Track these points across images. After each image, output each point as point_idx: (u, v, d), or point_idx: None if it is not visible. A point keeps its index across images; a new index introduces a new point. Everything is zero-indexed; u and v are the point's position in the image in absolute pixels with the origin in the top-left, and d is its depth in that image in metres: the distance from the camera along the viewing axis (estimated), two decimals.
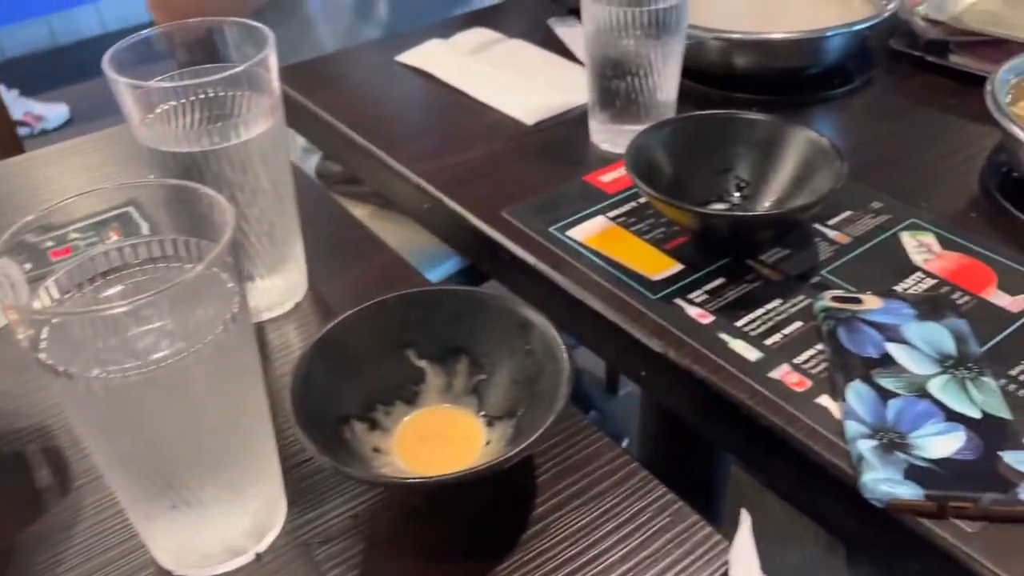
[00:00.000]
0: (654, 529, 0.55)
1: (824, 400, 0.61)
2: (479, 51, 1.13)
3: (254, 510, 0.55)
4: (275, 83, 0.66)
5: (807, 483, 0.59)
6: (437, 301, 0.63)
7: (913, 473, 0.54)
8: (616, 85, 0.89)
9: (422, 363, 0.62)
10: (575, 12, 1.16)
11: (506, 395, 0.60)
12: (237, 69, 0.63)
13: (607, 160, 0.90)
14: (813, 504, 0.61)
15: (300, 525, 0.57)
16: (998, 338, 0.65)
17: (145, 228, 0.51)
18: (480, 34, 1.16)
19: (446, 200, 0.86)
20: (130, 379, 0.44)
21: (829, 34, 0.96)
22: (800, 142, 0.76)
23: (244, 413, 0.51)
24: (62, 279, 0.49)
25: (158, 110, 0.64)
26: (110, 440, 0.49)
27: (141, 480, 0.50)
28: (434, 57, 1.12)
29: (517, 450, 0.51)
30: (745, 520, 0.52)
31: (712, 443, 0.93)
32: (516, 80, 1.05)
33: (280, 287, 0.74)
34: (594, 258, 0.76)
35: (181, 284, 0.43)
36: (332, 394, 0.58)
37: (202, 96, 0.63)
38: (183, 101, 0.63)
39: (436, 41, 1.15)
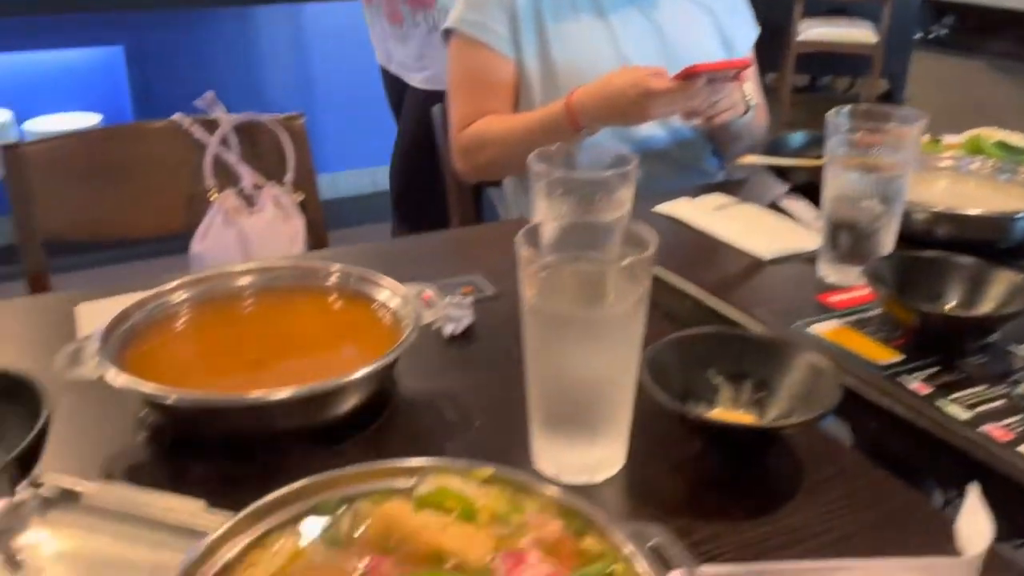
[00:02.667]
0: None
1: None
2: (720, 208, 1.44)
3: (614, 442, 0.80)
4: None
5: (1009, 509, 0.79)
6: (736, 339, 0.89)
7: None
8: (845, 236, 1.17)
9: (718, 380, 0.88)
10: (796, 189, 1.47)
11: (785, 408, 0.84)
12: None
13: (832, 288, 1.17)
14: (1013, 523, 0.80)
15: (641, 460, 0.82)
16: None
17: None
18: (720, 197, 1.49)
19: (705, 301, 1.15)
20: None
21: (1017, 217, 1.23)
22: (1003, 279, 1.01)
23: (631, 366, 0.78)
24: None
25: None
26: (545, 362, 0.77)
27: (553, 399, 0.78)
28: (684, 209, 1.44)
29: (808, 418, 0.76)
30: (973, 490, 0.72)
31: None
32: (753, 227, 1.35)
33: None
34: (831, 347, 1.01)
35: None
36: (661, 379, 0.84)
37: None
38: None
39: (684, 199, 1.48)
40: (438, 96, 1.92)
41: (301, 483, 0.64)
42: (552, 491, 0.65)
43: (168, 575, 0.62)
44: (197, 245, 1.72)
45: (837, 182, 1.18)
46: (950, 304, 1.05)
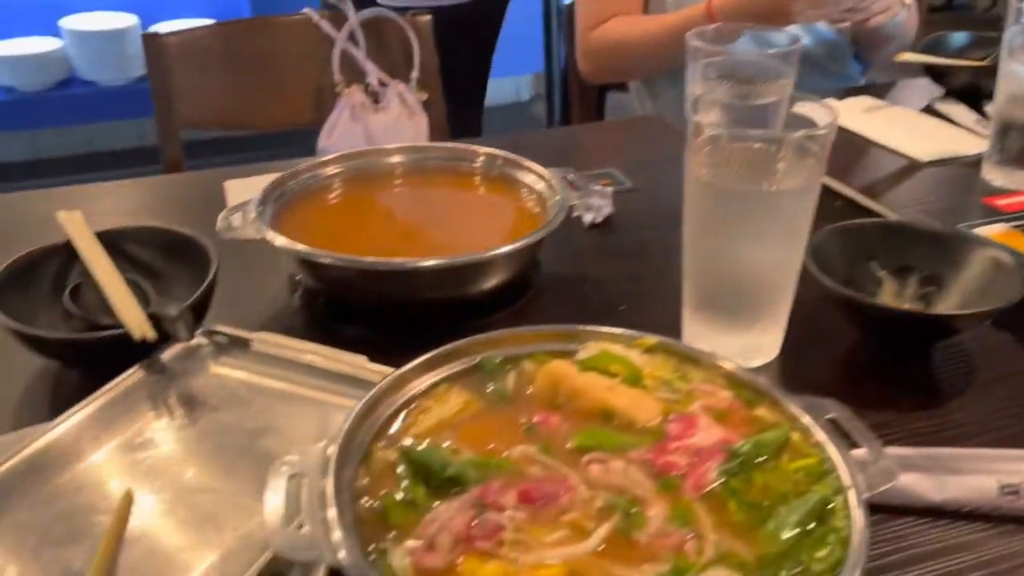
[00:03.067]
0: None
1: None
2: (869, 111, 1.36)
3: (772, 328, 0.77)
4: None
5: None
6: (904, 230, 0.84)
7: None
8: (1015, 137, 1.09)
9: (881, 273, 0.84)
10: (952, 93, 1.37)
11: (952, 302, 0.80)
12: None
13: (999, 191, 1.09)
14: None
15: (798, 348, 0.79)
16: None
17: None
18: (868, 100, 1.40)
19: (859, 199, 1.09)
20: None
21: None
22: None
23: (797, 249, 0.74)
24: None
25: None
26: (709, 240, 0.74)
27: (713, 280, 0.75)
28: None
29: (988, 308, 0.72)
30: None
31: None
32: (907, 130, 1.27)
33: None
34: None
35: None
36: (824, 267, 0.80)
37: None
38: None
39: (830, 100, 1.40)
40: None
41: (465, 340, 0.65)
42: (720, 361, 0.63)
43: (334, 413, 0.64)
44: (324, 140, 1.74)
45: (1011, 79, 1.08)
46: None
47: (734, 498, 0.52)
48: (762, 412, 0.59)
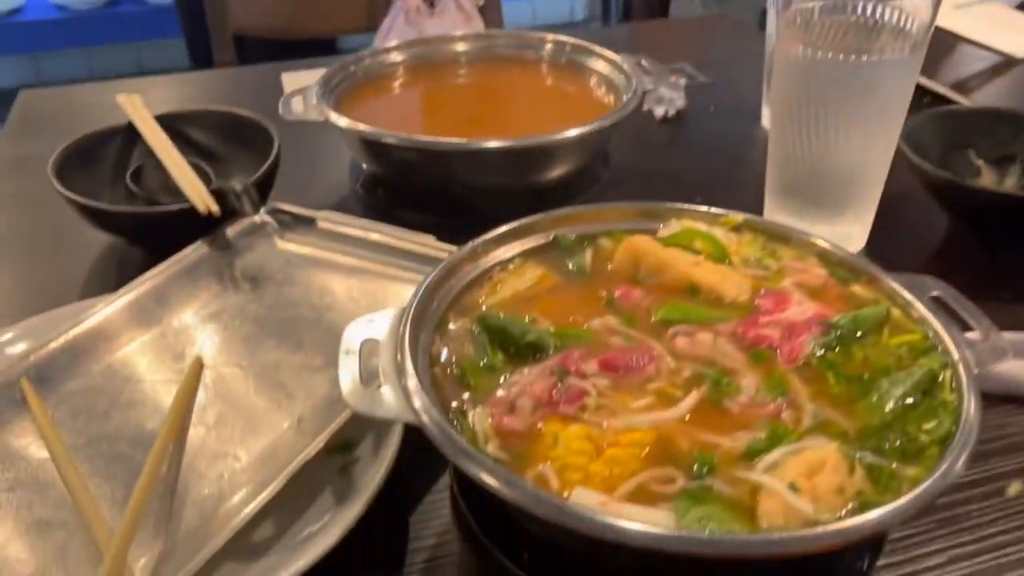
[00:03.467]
0: None
1: None
2: (960, 7, 1.27)
3: (860, 217, 0.73)
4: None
5: None
6: (1009, 117, 0.79)
7: None
8: None
9: (979, 162, 0.78)
10: None
11: None
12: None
13: None
14: None
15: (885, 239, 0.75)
16: None
17: None
18: None
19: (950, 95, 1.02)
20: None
21: None
22: None
23: (892, 132, 0.69)
24: None
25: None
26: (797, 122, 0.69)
27: (799, 165, 0.71)
28: None
29: None
30: None
31: None
32: (1002, 26, 1.18)
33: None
34: None
35: None
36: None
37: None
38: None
39: None
40: None
41: (540, 215, 0.61)
42: (813, 239, 0.60)
43: (403, 288, 0.62)
44: (379, 44, 1.71)
45: None
46: None
47: (832, 371, 0.49)
48: (858, 289, 0.55)
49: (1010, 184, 0.77)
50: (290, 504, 0.50)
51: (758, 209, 0.76)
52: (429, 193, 0.82)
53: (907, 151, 0.72)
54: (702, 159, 0.92)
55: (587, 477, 0.43)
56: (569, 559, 0.47)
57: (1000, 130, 0.78)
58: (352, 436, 0.53)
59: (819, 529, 0.38)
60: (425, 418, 0.44)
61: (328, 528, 0.46)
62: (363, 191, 0.85)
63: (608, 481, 0.43)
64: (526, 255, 0.60)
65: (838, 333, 0.51)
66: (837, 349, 0.51)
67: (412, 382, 0.46)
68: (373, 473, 0.49)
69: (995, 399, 0.58)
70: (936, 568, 0.48)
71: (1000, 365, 0.57)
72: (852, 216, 0.73)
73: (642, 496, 0.42)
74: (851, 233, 0.74)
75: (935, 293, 0.55)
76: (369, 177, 0.86)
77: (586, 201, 0.85)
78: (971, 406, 0.45)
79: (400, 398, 0.46)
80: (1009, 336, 0.57)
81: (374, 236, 0.68)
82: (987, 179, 0.78)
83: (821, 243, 0.59)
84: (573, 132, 0.77)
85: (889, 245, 0.75)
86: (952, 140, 0.79)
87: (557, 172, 0.82)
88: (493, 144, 0.75)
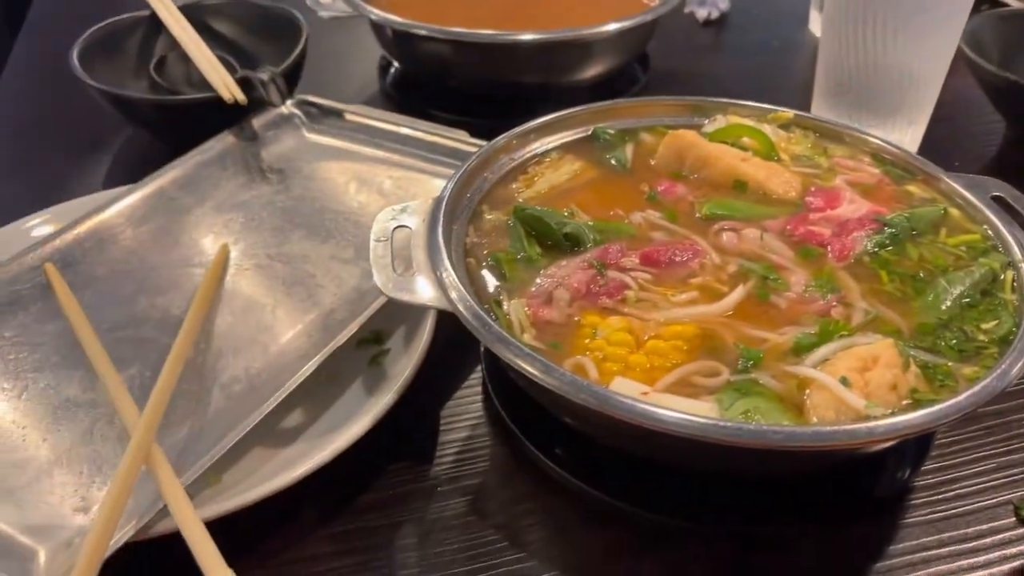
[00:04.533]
0: None
1: None
2: None
3: (913, 124, 0.69)
4: None
5: None
6: None
7: None
8: None
9: None
10: None
11: None
12: None
13: None
14: None
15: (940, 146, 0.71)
16: None
17: None
18: None
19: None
20: None
21: None
22: None
23: (951, 35, 0.65)
24: None
25: None
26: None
27: (851, 66, 0.67)
28: None
29: None
30: None
31: None
32: None
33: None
34: None
35: None
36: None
37: None
38: None
39: None
40: None
41: (579, 108, 0.59)
42: (867, 136, 0.57)
43: (435, 181, 0.60)
44: None
45: None
46: None
47: (885, 269, 0.47)
48: (914, 188, 0.53)
49: None
50: (321, 393, 0.49)
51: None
52: (461, 92, 0.79)
53: (967, 51, 0.68)
54: (745, 63, 0.88)
55: (627, 368, 0.42)
56: (602, 454, 0.46)
57: None
58: (383, 328, 0.51)
59: (871, 423, 0.36)
60: (461, 307, 0.43)
61: (358, 418, 0.45)
62: (393, 90, 0.82)
63: (649, 372, 0.42)
64: (564, 148, 0.58)
65: (892, 231, 0.49)
66: (891, 247, 0.48)
67: (447, 271, 0.45)
68: (404, 364, 0.48)
69: None
70: (983, 475, 0.46)
71: None
72: (905, 120, 0.69)
73: (685, 388, 0.41)
74: (902, 140, 0.70)
75: (996, 193, 0.52)
76: (399, 76, 0.83)
77: None
78: None
79: (435, 286, 0.44)
80: None
81: (405, 130, 0.65)
82: None
83: (875, 141, 0.56)
84: (612, 26, 0.74)
85: (943, 154, 0.70)
86: (1013, 43, 0.74)
87: (594, 71, 0.78)
88: (528, 37, 0.72)
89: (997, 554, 0.42)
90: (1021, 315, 0.42)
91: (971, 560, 0.42)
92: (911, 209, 0.51)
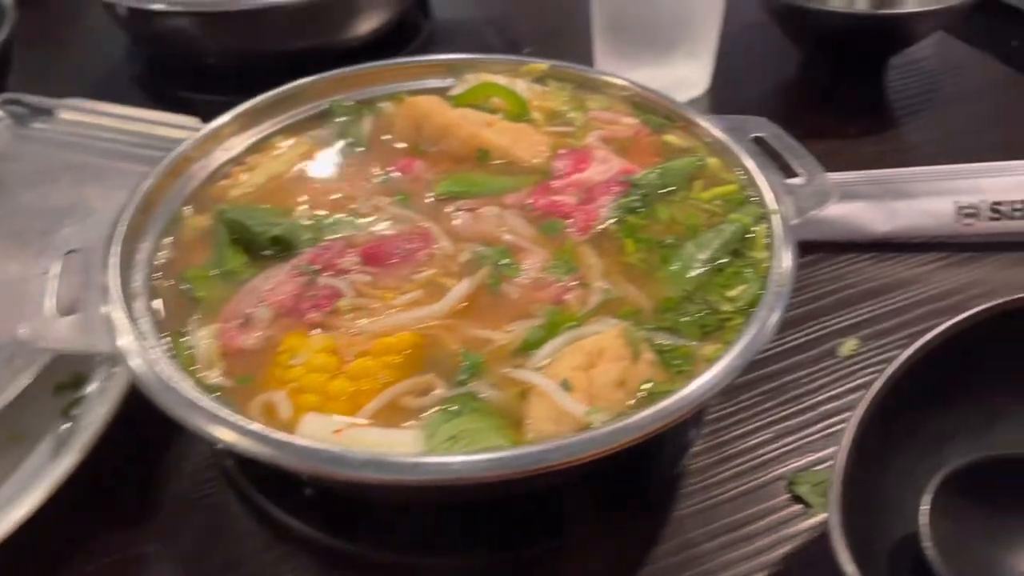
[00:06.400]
0: None
1: None
2: None
3: (698, 57, 0.65)
4: None
5: None
6: None
7: None
8: None
9: None
10: None
11: (914, 6, 0.67)
12: None
13: None
14: None
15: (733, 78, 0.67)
16: None
17: None
18: None
19: None
20: None
21: None
22: None
23: None
24: None
25: None
26: None
27: (622, 12, 0.62)
28: None
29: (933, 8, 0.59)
30: None
31: None
32: None
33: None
34: None
35: None
36: None
37: None
38: None
39: None
40: None
41: (307, 80, 0.51)
42: (624, 83, 0.51)
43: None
44: None
45: None
46: None
47: (632, 237, 0.42)
48: (673, 138, 0.48)
49: (862, 4, 0.70)
50: (2, 455, 0.41)
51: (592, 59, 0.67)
52: (217, 71, 0.70)
53: None
54: (538, 5, 0.82)
55: (327, 399, 0.36)
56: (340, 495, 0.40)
57: None
58: (83, 369, 0.44)
59: (585, 435, 0.31)
60: (123, 346, 0.35)
61: (40, 483, 0.38)
62: (131, 74, 0.73)
63: (354, 400, 0.36)
64: (290, 130, 0.51)
65: (642, 192, 0.44)
66: (641, 210, 0.43)
67: (114, 300, 0.37)
68: (99, 413, 0.41)
69: (835, 248, 0.52)
70: (758, 449, 0.43)
71: (836, 208, 0.52)
72: (688, 55, 0.64)
73: (393, 414, 0.35)
74: (689, 75, 0.66)
75: (757, 134, 0.48)
76: (146, 61, 0.73)
77: None
78: (783, 263, 0.39)
79: (97, 322, 0.37)
80: (838, 177, 0.51)
81: (129, 125, 0.57)
82: (837, 0, 0.70)
83: (634, 87, 0.51)
84: None
85: (735, 85, 0.68)
86: None
87: (364, 27, 0.70)
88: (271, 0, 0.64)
89: (769, 539, 0.39)
90: (770, 276, 0.38)
91: (742, 550, 0.39)
92: (666, 163, 0.46)
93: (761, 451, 0.42)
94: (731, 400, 0.44)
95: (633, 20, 0.63)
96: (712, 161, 0.46)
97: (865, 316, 0.48)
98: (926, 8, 0.63)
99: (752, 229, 0.41)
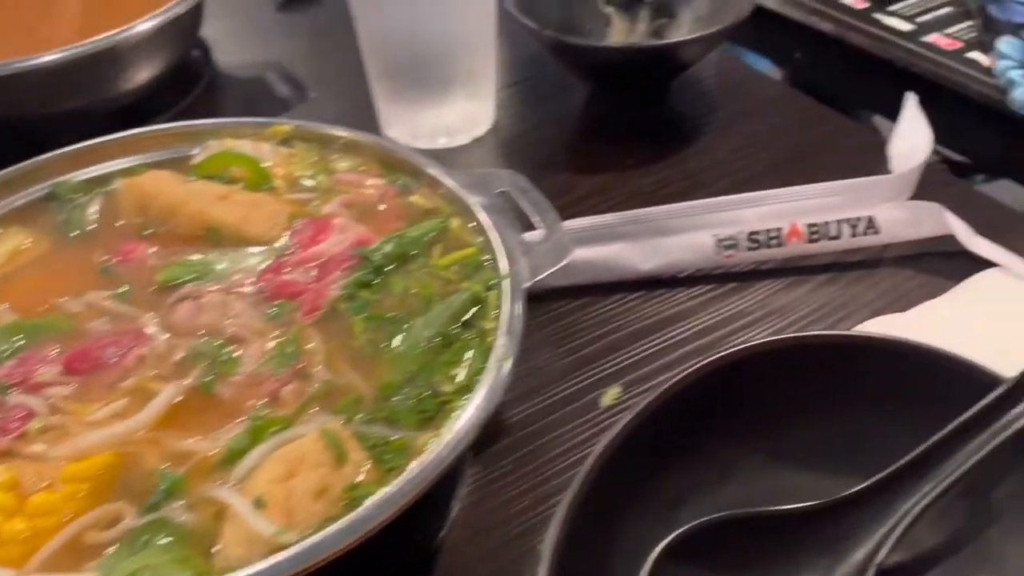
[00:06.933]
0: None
1: (974, 54, 0.68)
2: None
3: (477, 97, 0.64)
4: None
5: (957, 120, 0.66)
6: None
7: None
8: None
9: (609, 9, 0.70)
10: None
11: (686, 32, 0.68)
12: None
13: None
14: (961, 139, 0.68)
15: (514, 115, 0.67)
16: None
17: None
18: None
19: None
20: None
21: None
22: None
23: (484, 5, 0.59)
24: None
25: None
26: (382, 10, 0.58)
27: (392, 48, 0.60)
28: None
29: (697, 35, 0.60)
30: (911, 99, 0.59)
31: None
32: None
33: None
34: None
35: None
36: (535, 14, 0.66)
37: None
38: None
39: None
40: None
41: (28, 163, 0.47)
42: (372, 141, 0.49)
43: None
44: None
45: None
46: None
47: (361, 315, 0.40)
48: (419, 198, 0.46)
49: (642, 29, 0.70)
50: None
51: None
52: None
53: (515, 11, 0.63)
54: (323, 45, 0.79)
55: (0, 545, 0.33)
56: None
57: None
58: None
59: (270, 562, 0.29)
60: None
61: None
62: None
63: (32, 543, 0.32)
64: (9, 218, 0.47)
65: (376, 264, 0.42)
66: (374, 285, 0.42)
67: None
68: None
69: (600, 289, 0.52)
70: (519, 515, 0.42)
71: (601, 249, 0.52)
72: (467, 95, 0.63)
73: (73, 555, 0.32)
74: (472, 113, 0.64)
75: (503, 188, 0.47)
76: None
77: (183, 114, 0.72)
78: (509, 334, 0.37)
79: None
80: (578, 224, 0.51)
81: None
82: (619, 27, 0.70)
83: (383, 144, 0.49)
84: (143, 25, 0.62)
85: (521, 120, 0.67)
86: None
87: (137, 81, 0.66)
88: (35, 61, 0.59)
89: None
90: (493, 349, 0.37)
91: None
92: (406, 229, 0.44)
93: (517, 521, 0.41)
94: (488, 469, 0.43)
95: (401, 66, 0.61)
96: (455, 222, 0.44)
97: (630, 360, 0.48)
98: (697, 35, 0.63)
99: (484, 296, 0.40)
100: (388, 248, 0.42)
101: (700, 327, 0.49)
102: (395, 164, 0.48)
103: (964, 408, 0.34)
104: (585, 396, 0.46)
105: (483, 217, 0.43)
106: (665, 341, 0.49)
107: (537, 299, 0.51)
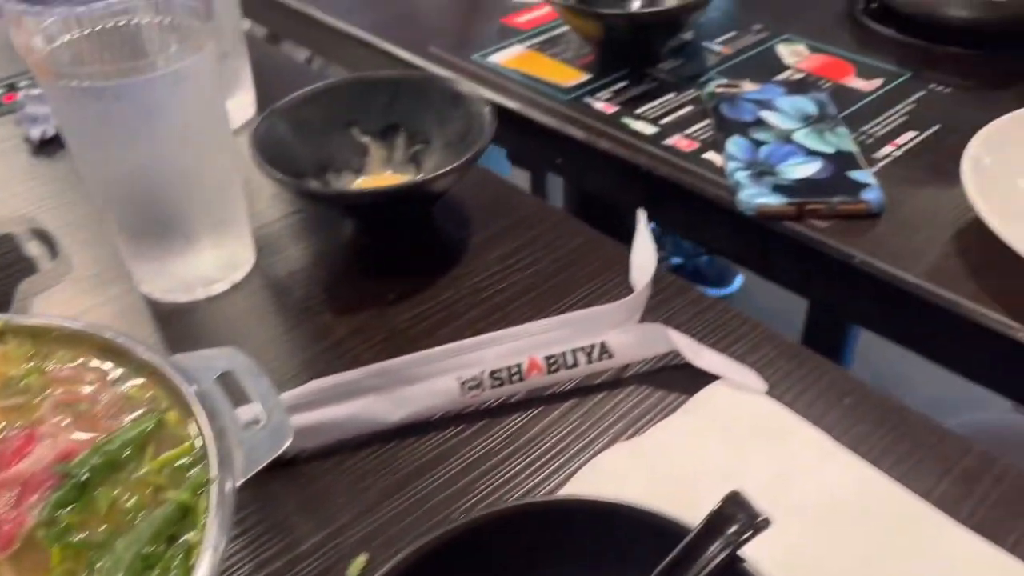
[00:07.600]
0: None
1: (710, 155, 0.73)
2: None
3: (227, 245, 0.63)
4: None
5: (697, 217, 0.71)
6: (375, 84, 0.72)
7: (779, 189, 0.66)
8: None
9: (365, 139, 0.71)
10: None
11: (442, 158, 0.69)
12: None
13: (519, 7, 1.00)
14: (702, 233, 0.72)
15: (272, 258, 0.66)
16: (852, 108, 0.78)
17: None
18: None
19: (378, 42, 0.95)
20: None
21: None
22: None
23: (218, 145, 0.59)
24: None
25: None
26: (106, 163, 0.57)
27: (124, 204, 0.59)
28: None
29: (443, 171, 0.61)
30: (641, 216, 0.62)
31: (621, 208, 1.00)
32: None
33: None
34: (513, 75, 0.86)
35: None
36: (289, 154, 0.66)
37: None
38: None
39: None
40: None
41: None
42: (87, 330, 0.48)
43: None
44: None
45: None
46: (635, 6, 0.92)
47: (60, 542, 0.38)
48: (136, 390, 0.45)
49: (399, 156, 0.71)
50: None
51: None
52: None
53: (254, 156, 0.63)
54: (82, 191, 0.77)
55: None
56: None
57: (376, 98, 0.71)
58: None
59: None
60: None
61: None
62: None
63: None
64: None
65: (73, 481, 0.40)
66: (78, 503, 0.40)
67: None
68: None
69: (349, 447, 0.51)
70: None
71: (348, 405, 0.52)
72: (212, 242, 0.62)
73: None
74: (230, 258, 0.63)
75: (224, 370, 0.46)
76: None
77: None
78: (214, 548, 0.37)
79: None
80: (324, 384, 0.51)
81: None
82: (377, 156, 0.71)
83: (99, 333, 0.47)
84: None
85: (282, 259, 0.66)
86: (332, 120, 0.70)
87: None
88: None
89: None
90: (198, 566, 0.36)
91: None
92: (119, 430, 0.43)
93: None
94: None
95: (137, 220, 0.60)
96: (171, 416, 0.43)
97: (380, 522, 0.47)
98: (436, 173, 0.64)
99: (192, 503, 0.39)
100: (94, 460, 0.41)
101: (448, 475, 0.50)
102: (114, 352, 0.46)
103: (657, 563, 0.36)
104: (335, 568, 0.46)
105: (197, 409, 0.42)
106: (413, 496, 0.49)
107: (290, 464, 0.51)
